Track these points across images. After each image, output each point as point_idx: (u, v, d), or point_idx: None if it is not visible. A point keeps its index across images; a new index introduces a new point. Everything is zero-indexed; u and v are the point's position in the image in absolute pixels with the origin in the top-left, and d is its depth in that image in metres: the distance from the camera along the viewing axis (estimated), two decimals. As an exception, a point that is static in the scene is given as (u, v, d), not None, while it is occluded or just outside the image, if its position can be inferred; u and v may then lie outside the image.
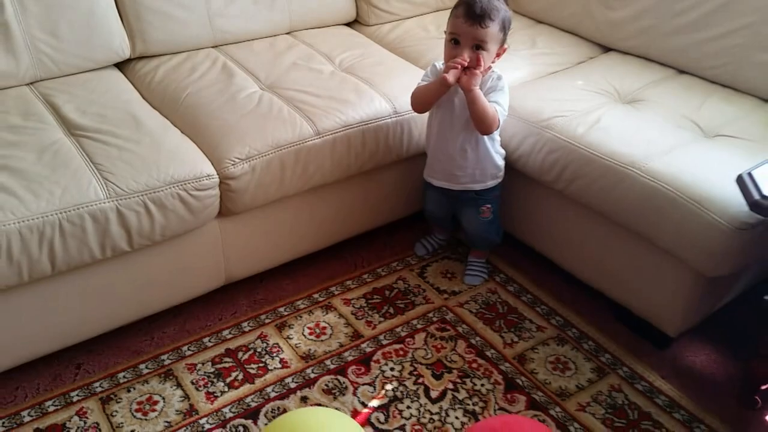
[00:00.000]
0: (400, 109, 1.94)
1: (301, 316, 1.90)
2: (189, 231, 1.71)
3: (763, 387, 1.69)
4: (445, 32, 1.80)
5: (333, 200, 1.97)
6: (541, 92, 2.03)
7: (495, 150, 1.89)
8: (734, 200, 1.53)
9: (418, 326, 1.88)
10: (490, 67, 1.79)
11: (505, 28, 1.75)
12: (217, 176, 1.68)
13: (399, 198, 2.12)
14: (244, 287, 1.97)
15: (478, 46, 1.72)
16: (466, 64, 1.71)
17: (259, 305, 1.94)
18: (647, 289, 1.78)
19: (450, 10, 1.79)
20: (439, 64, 1.86)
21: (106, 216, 1.53)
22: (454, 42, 1.75)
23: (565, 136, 1.82)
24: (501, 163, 1.92)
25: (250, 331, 1.85)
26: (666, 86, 2.06)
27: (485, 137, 1.84)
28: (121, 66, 2.08)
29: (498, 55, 1.78)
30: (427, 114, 1.91)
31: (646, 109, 1.93)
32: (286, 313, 1.91)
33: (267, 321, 1.88)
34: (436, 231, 2.20)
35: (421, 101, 1.85)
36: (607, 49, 2.36)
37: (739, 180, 1.43)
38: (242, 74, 2.02)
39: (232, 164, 1.69)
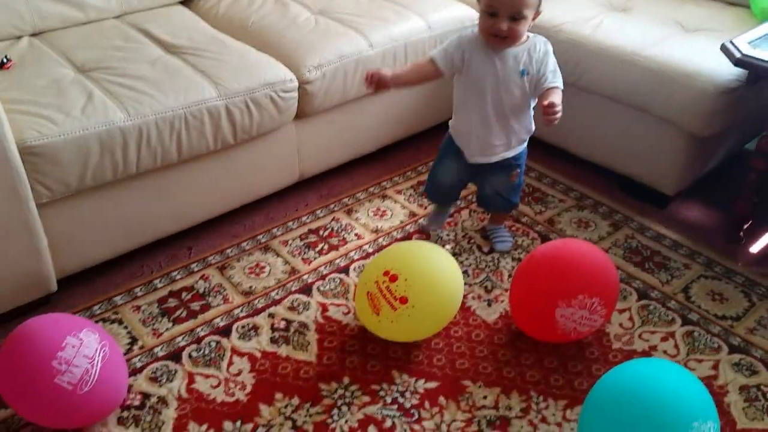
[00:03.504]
0: (433, 26, 2.29)
1: (363, 204, 2.26)
2: (275, 129, 2.04)
3: (746, 225, 2.12)
4: (478, 1, 1.72)
5: (382, 107, 2.32)
6: (547, 5, 2.39)
7: (531, 112, 1.86)
8: (718, 72, 1.94)
9: (462, 205, 2.26)
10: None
11: None
12: (296, 81, 2.01)
13: (431, 107, 2.48)
14: (310, 186, 2.31)
15: (515, 17, 1.67)
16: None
17: (325, 198, 2.28)
18: (648, 156, 2.19)
19: None
20: (469, 32, 1.78)
21: (218, 112, 1.85)
22: (491, 14, 1.67)
23: (576, 36, 2.21)
24: (533, 124, 1.88)
25: (323, 216, 2.20)
26: (648, -2, 2.47)
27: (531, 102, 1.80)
28: (186, 3, 2.39)
29: (533, 20, 1.73)
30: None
31: (635, 13, 2.34)
32: (350, 203, 2.26)
33: (336, 209, 2.23)
34: (438, 204, 2.12)
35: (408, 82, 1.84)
36: (593, -28, 2.75)
37: (723, 47, 1.84)
38: (294, 4, 2.35)
39: (308, 71, 2.03)
